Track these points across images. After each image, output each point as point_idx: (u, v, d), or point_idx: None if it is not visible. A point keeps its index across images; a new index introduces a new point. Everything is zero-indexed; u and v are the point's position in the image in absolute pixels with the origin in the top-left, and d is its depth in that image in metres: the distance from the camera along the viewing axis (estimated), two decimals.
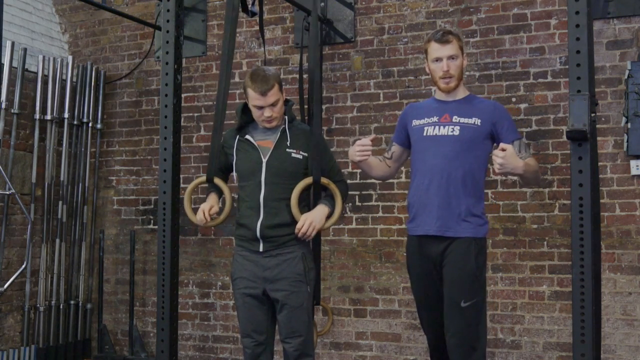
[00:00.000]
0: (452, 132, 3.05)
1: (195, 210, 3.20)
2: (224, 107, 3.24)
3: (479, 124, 3.05)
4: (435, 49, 3.07)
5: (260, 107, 3.10)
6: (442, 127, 3.07)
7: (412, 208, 3.13)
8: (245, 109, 3.25)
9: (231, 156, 3.24)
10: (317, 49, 3.38)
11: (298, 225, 3.08)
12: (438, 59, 3.08)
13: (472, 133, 3.04)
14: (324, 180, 3.15)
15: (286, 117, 3.21)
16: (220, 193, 3.29)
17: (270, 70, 3.16)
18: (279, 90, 3.12)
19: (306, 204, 3.19)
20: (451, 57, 3.07)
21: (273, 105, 3.10)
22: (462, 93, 3.16)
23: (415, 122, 3.17)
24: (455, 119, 3.07)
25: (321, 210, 3.14)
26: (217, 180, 3.19)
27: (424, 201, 3.06)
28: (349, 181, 4.77)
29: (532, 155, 3.14)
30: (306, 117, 3.84)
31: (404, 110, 3.36)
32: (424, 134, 3.12)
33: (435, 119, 3.11)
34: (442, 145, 3.05)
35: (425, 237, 3.06)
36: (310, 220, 3.08)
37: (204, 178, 3.27)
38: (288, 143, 3.17)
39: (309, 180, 3.13)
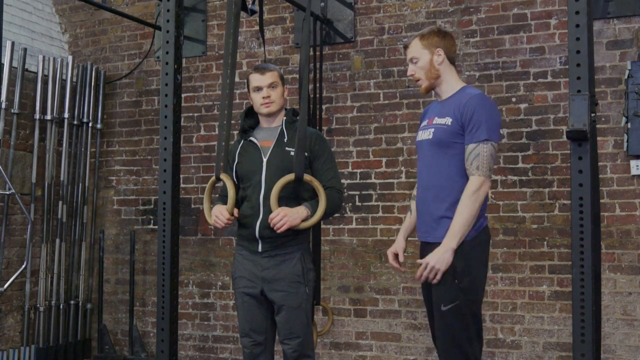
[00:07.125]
0: (428, 136, 2.97)
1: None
2: (231, 103, 3.20)
3: (449, 123, 2.88)
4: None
5: (259, 89, 3.18)
6: (424, 132, 3.02)
7: None
8: (248, 114, 3.29)
9: (234, 162, 3.24)
10: (308, 46, 3.38)
11: (272, 215, 3.03)
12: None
13: (442, 134, 2.91)
14: (307, 177, 3.08)
15: (285, 118, 3.23)
16: (225, 202, 3.23)
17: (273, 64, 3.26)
18: (279, 78, 3.23)
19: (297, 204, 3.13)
20: (411, 60, 3.01)
21: (271, 87, 3.18)
22: (450, 90, 3.00)
23: (421, 126, 3.16)
24: (435, 120, 2.97)
25: (299, 210, 3.07)
26: (224, 176, 3.16)
27: (417, 207, 3.07)
28: (349, 181, 4.78)
29: (483, 175, 2.81)
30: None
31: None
32: (416, 139, 3.12)
33: (425, 122, 3.07)
34: (423, 151, 3.02)
35: (421, 242, 3.07)
36: (284, 213, 3.02)
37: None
38: (286, 140, 3.18)
39: (290, 176, 3.07)
